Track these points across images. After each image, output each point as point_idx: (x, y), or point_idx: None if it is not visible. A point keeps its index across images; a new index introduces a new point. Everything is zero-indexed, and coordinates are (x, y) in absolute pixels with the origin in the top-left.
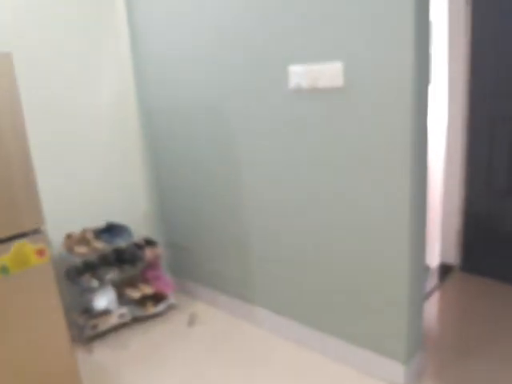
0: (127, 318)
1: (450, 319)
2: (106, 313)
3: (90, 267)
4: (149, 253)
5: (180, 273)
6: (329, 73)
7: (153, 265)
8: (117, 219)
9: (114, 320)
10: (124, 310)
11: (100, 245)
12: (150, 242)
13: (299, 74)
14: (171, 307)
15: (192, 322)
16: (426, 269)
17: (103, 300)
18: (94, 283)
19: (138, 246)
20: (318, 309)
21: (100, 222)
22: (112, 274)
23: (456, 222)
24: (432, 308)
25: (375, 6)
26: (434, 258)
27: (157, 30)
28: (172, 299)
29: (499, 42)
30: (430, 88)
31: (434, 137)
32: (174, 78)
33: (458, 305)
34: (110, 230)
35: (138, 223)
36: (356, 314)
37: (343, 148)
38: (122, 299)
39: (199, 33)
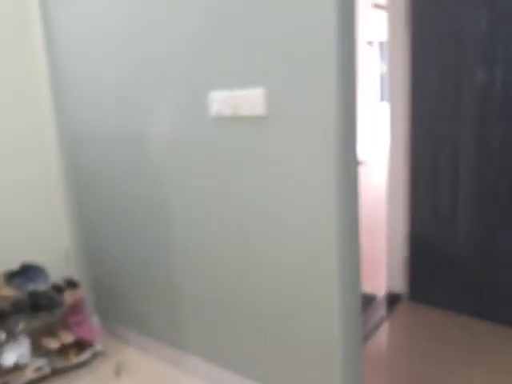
0: (45, 371)
1: (397, 356)
2: (17, 368)
3: (0, 317)
4: (69, 296)
5: (109, 316)
6: (250, 100)
7: (75, 309)
8: (35, 259)
9: (28, 375)
10: (41, 362)
11: (9, 292)
12: (71, 284)
13: (220, 101)
14: (98, 355)
15: (119, 371)
16: (372, 299)
17: (12, 354)
18: (1, 336)
19: (58, 289)
20: (250, 356)
21: (14, 264)
22: (25, 324)
23: (402, 249)
24: (378, 343)
25: (297, 31)
26: (381, 287)
27: (78, 50)
28: (98, 346)
29: (439, 62)
30: (373, 110)
31: (378, 162)
32: (96, 105)
33: (406, 339)
34: (25, 273)
35: (60, 262)
36: (287, 362)
37: (266, 180)
38: (39, 350)
39: (121, 58)
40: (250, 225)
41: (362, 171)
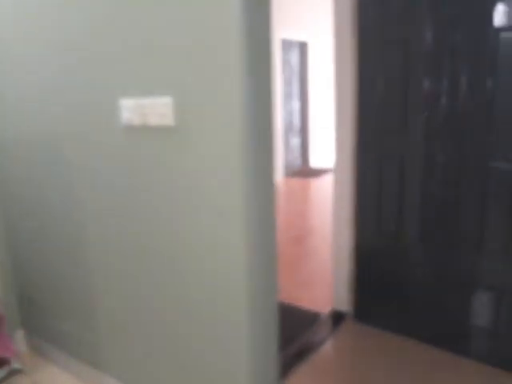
0: None
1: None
2: None
3: None
4: None
5: (35, 332)
6: (159, 109)
7: None
8: None
9: None
10: None
11: None
12: None
13: (130, 110)
14: (14, 373)
15: None
16: (315, 318)
17: None
18: None
19: None
20: (164, 382)
21: None
22: None
23: (347, 265)
24: (313, 368)
25: (203, 39)
26: (326, 305)
27: None
28: (16, 364)
29: (386, 72)
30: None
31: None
32: (16, 111)
33: (346, 363)
34: None
35: None
36: None
37: (175, 194)
38: None
39: (33, 62)
40: (161, 239)
41: (329, 180)
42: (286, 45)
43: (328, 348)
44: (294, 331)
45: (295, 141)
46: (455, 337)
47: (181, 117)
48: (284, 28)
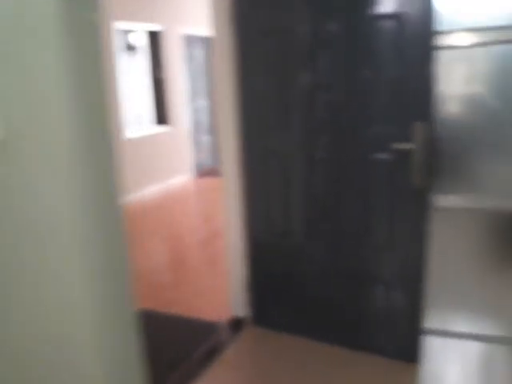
0: None
1: None
2: None
3: None
4: None
5: None
6: None
7: None
8: None
9: None
10: None
11: None
12: None
13: None
14: None
15: None
16: (211, 328)
17: None
18: None
19: None
20: None
21: None
22: None
23: (242, 270)
24: (215, 378)
25: (27, 48)
26: (226, 312)
27: None
28: None
29: (265, 66)
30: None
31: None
32: None
33: (245, 370)
34: None
35: None
36: None
37: (7, 220)
38: None
39: None
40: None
41: None
42: (190, 41)
43: (226, 357)
44: (191, 345)
45: (205, 139)
46: (351, 332)
47: (9, 129)
48: (187, 23)
